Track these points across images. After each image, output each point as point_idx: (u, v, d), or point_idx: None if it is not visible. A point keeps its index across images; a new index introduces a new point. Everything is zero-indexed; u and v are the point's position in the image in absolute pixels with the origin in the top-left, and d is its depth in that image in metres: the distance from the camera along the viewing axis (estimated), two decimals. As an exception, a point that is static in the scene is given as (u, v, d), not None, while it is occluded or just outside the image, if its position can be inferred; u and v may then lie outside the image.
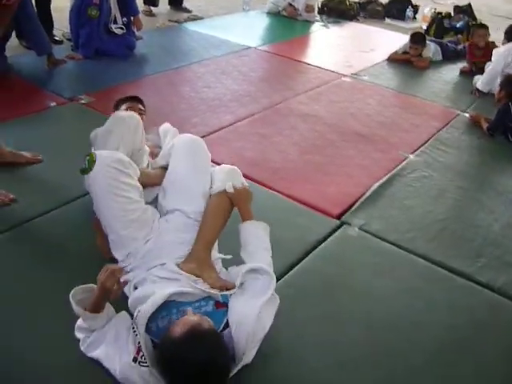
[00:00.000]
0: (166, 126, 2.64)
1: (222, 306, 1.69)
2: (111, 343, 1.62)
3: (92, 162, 1.90)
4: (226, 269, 1.94)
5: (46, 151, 2.80)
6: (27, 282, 2.00)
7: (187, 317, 1.56)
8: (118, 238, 1.93)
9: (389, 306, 2.10)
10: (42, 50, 3.91)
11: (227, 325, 1.63)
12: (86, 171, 1.91)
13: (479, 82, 4.50)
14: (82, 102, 3.51)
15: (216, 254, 1.98)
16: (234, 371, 1.58)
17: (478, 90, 4.49)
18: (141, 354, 1.54)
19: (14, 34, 4.07)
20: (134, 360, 1.54)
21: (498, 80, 4.14)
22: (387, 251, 2.41)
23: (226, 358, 1.54)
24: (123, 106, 2.61)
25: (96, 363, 1.64)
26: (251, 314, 1.61)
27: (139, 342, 1.54)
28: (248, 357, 1.60)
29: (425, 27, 6.44)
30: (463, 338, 1.99)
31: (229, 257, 1.98)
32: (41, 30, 3.81)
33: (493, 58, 4.55)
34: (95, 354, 1.64)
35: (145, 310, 1.61)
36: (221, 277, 1.84)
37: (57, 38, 4.66)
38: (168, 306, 1.65)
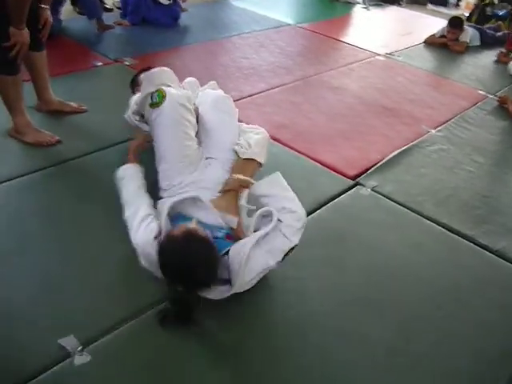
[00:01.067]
0: (189, 79, 2.79)
1: (231, 238, 1.89)
2: (139, 212, 1.92)
3: (162, 97, 2.11)
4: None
5: (91, 103, 3.07)
6: (67, 209, 2.26)
7: (189, 223, 1.81)
8: (168, 170, 2.12)
9: (392, 258, 2.25)
10: (93, 14, 4.21)
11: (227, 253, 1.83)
12: (156, 104, 2.13)
13: None
14: (126, 63, 3.77)
15: (242, 202, 2.15)
16: (228, 294, 1.78)
17: None
18: (162, 234, 1.81)
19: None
20: (155, 238, 1.80)
21: None
22: (395, 211, 2.57)
23: (211, 265, 1.74)
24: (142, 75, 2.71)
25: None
26: (248, 242, 1.81)
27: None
28: (241, 284, 1.79)
29: (467, 14, 6.45)
30: (460, 290, 2.12)
31: (253, 207, 2.13)
32: (93, -5, 4.10)
33: None
34: (126, 214, 1.95)
35: (167, 203, 1.91)
36: (242, 222, 2.01)
37: (107, 6, 4.94)
38: (186, 220, 1.87)
